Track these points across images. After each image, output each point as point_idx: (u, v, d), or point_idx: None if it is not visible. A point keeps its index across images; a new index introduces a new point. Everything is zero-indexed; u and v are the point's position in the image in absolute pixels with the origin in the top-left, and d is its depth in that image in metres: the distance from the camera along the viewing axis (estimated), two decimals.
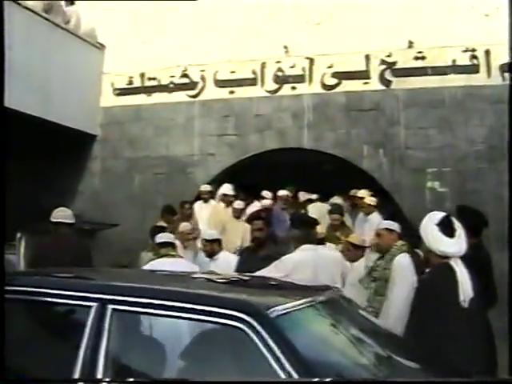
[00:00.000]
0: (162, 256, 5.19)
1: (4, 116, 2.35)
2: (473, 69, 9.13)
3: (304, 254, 4.35)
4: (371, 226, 7.85)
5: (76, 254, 5.15)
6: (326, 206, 8.83)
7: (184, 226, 7.07)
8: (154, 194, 10.28)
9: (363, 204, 8.59)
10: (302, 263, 4.25)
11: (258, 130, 9.91)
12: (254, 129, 9.91)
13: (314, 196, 9.56)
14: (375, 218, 8.33)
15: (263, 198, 9.19)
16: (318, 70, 9.77)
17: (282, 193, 9.28)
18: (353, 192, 9.15)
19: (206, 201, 8.81)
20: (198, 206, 8.78)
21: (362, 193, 8.75)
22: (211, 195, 8.93)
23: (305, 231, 4.43)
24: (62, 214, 5.62)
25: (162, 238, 5.39)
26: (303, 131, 9.72)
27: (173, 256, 5.20)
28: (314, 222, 4.88)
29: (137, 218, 10.04)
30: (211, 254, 6.11)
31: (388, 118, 9.28)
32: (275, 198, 9.29)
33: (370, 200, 8.57)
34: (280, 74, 9.98)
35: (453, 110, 9.10)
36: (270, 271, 4.13)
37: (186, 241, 7.14)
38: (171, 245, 5.37)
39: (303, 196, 9.62)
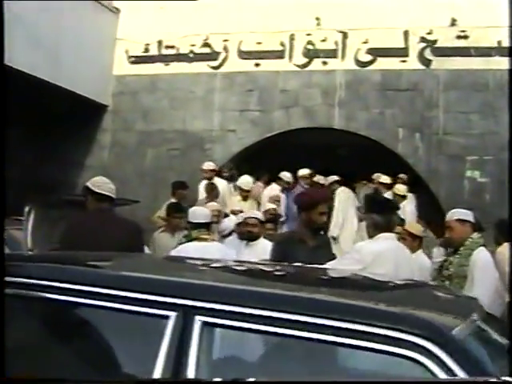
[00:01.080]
0: (192, 239, 4.62)
1: (4, 82, 2.11)
2: None
3: (384, 243, 3.71)
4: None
5: (126, 237, 3.89)
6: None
7: (212, 205, 6.54)
8: (168, 170, 9.80)
9: (395, 193, 8.20)
10: (383, 255, 3.56)
11: (283, 106, 9.49)
12: (280, 105, 9.49)
13: (335, 177, 9.09)
14: (405, 207, 7.95)
15: (281, 179, 8.84)
16: (351, 45, 9.36)
17: (303, 172, 8.82)
18: (375, 176, 8.82)
19: (209, 179, 8.37)
20: (202, 185, 8.38)
21: (386, 178, 8.39)
22: (214, 173, 8.55)
23: (385, 217, 3.83)
24: (108, 187, 4.23)
25: (198, 216, 4.75)
26: (334, 110, 9.31)
27: (205, 239, 4.61)
28: (396, 207, 4.33)
29: (148, 196, 9.50)
30: (251, 238, 5.52)
31: (426, 99, 8.94)
32: (296, 180, 8.92)
33: (398, 190, 8.15)
34: (310, 47, 9.55)
35: (497, 95, 8.68)
36: (345, 264, 3.54)
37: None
38: (206, 226, 4.73)
39: (325, 180, 9.07)
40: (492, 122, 8.72)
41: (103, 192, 4.11)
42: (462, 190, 8.62)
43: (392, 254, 3.66)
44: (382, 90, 9.10)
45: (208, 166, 8.61)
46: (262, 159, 9.14)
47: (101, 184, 4.19)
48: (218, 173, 8.79)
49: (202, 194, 8.16)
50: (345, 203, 8.69)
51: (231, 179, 9.00)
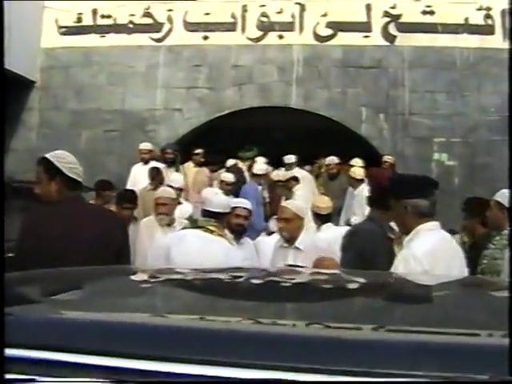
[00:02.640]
0: (197, 227, 3.74)
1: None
2: (487, 29, 8.62)
3: (435, 237, 2.95)
4: (359, 201, 7.09)
5: (110, 233, 3.01)
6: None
7: (165, 192, 5.63)
8: (105, 155, 9.07)
9: (351, 176, 7.64)
10: (437, 253, 2.84)
11: (235, 83, 8.98)
12: (231, 82, 8.98)
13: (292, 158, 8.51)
14: (364, 192, 7.43)
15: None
16: (309, 17, 8.93)
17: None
18: (328, 160, 8.35)
19: (146, 162, 7.77)
20: (136, 168, 7.76)
21: (356, 161, 7.84)
22: (152, 156, 7.96)
23: (430, 199, 2.89)
24: (78, 170, 3.10)
25: (213, 204, 3.73)
26: (291, 88, 8.85)
27: (211, 231, 3.66)
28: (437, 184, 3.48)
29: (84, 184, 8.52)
30: (240, 235, 4.78)
31: (391, 78, 8.69)
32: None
33: (354, 173, 7.57)
34: (265, 19, 9.05)
35: (464, 74, 8.54)
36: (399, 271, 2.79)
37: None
38: (219, 217, 3.74)
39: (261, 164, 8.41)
40: (460, 102, 8.54)
41: (76, 177, 3.04)
42: (429, 174, 7.76)
43: (445, 252, 2.95)
44: (343, 67, 8.76)
45: (145, 146, 8.03)
46: (211, 141, 8.52)
47: (72, 165, 3.07)
48: (163, 155, 8.12)
49: (138, 179, 7.45)
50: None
51: (172, 163, 8.22)
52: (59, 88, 9.41)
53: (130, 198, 5.63)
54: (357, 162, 7.71)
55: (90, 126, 9.16)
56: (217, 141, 8.51)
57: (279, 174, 8.18)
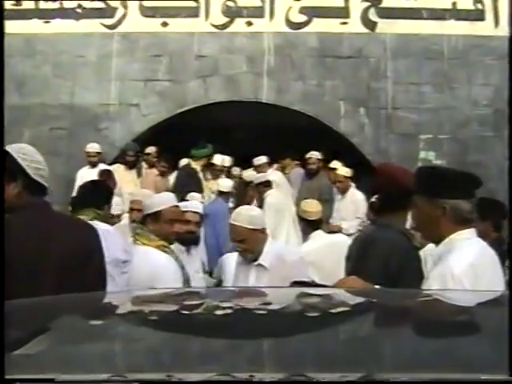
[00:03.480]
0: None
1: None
2: (477, 15, 8.14)
3: (476, 247, 2.44)
4: (348, 206, 6.83)
5: (84, 244, 2.50)
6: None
7: (141, 193, 5.22)
8: (51, 156, 7.90)
9: (336, 178, 7.14)
10: (479, 269, 2.34)
11: (199, 75, 8.33)
12: (195, 74, 8.33)
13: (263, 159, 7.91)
14: (354, 195, 7.02)
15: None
16: (281, 2, 8.30)
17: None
18: (309, 154, 7.77)
19: (94, 165, 7.52)
20: (82, 173, 7.38)
21: (335, 163, 7.31)
22: (100, 158, 7.70)
23: (471, 201, 2.40)
24: (45, 172, 2.52)
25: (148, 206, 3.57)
26: (261, 80, 8.25)
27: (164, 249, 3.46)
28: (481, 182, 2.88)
29: None
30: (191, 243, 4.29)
31: (372, 68, 8.20)
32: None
33: (341, 171, 7.05)
34: (231, 4, 8.38)
35: (453, 64, 8.06)
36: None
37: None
38: None
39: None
40: (448, 95, 8.07)
41: (41, 181, 2.47)
42: None
43: (486, 264, 2.41)
44: (319, 57, 8.22)
45: (93, 148, 7.67)
46: (171, 140, 7.88)
47: (39, 165, 2.46)
48: (123, 157, 7.81)
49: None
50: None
51: (134, 166, 7.84)
52: None
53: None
54: (336, 164, 7.14)
55: (33, 124, 8.35)
56: (178, 139, 7.80)
57: (252, 176, 7.50)
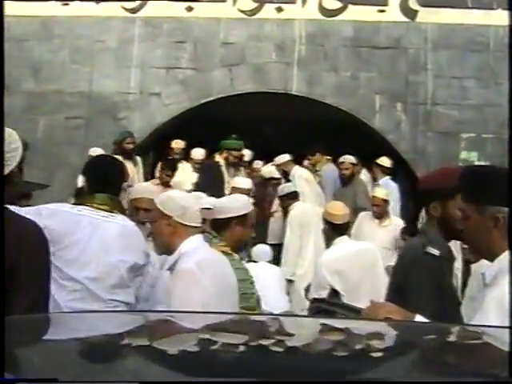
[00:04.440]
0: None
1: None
2: None
3: None
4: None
5: (25, 244, 2.00)
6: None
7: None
8: (67, 146, 7.98)
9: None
10: None
11: (225, 64, 8.04)
12: (221, 62, 8.04)
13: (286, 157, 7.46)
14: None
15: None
16: None
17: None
18: (342, 158, 7.33)
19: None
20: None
21: (382, 160, 7.16)
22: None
23: None
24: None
25: None
26: (291, 70, 7.96)
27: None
28: None
29: (40, 180, 7.34)
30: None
31: (411, 60, 7.86)
32: None
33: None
34: None
35: (499, 57, 7.59)
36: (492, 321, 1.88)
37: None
38: None
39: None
40: (493, 90, 7.66)
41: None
42: None
43: None
44: (354, 47, 7.92)
45: (95, 152, 6.68)
46: (194, 133, 7.56)
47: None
48: (121, 146, 7.21)
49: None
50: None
51: (131, 156, 7.28)
52: (12, 65, 8.08)
53: None
54: (384, 161, 7.06)
55: (49, 112, 8.09)
56: (201, 132, 7.47)
57: (271, 172, 7.35)
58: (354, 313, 2.42)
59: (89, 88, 8.07)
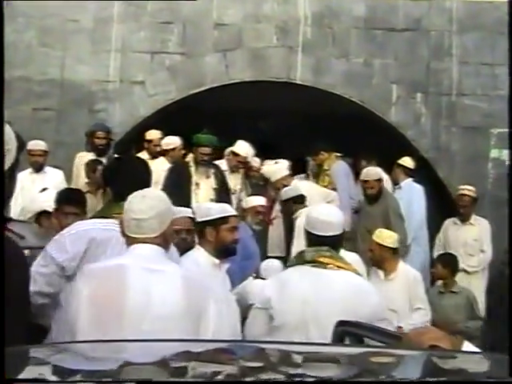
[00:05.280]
0: (304, 262, 3.16)
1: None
2: None
3: None
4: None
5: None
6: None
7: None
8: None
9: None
10: None
11: (219, 48, 7.53)
12: (214, 47, 7.54)
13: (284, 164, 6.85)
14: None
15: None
16: None
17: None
18: (365, 175, 6.54)
19: (38, 169, 6.41)
20: (23, 176, 6.06)
21: (405, 160, 6.63)
22: (44, 159, 6.59)
23: None
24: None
25: (322, 224, 3.19)
26: (295, 56, 7.48)
27: (324, 265, 3.10)
28: None
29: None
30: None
31: (433, 44, 7.45)
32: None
33: (405, 161, 6.52)
34: None
35: None
36: None
37: None
38: (331, 241, 3.19)
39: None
40: None
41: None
42: (485, 178, 7.27)
43: None
44: (367, 29, 7.51)
45: (37, 145, 6.39)
46: (184, 127, 7.01)
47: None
48: (92, 140, 6.69)
49: (25, 193, 5.80)
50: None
51: (104, 152, 6.77)
52: None
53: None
54: (407, 161, 6.54)
55: (13, 102, 7.31)
56: (191, 127, 6.94)
57: (272, 171, 6.49)
58: (392, 339, 2.18)
59: (60, 75, 7.54)
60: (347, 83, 7.44)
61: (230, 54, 7.47)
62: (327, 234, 3.04)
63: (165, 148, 6.54)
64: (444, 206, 6.81)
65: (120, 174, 3.05)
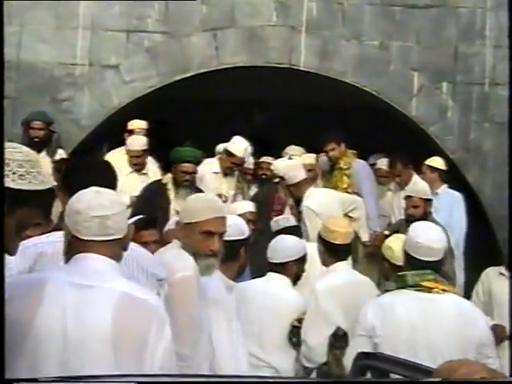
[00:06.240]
0: (406, 286, 3.13)
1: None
2: None
3: None
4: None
5: None
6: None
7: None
8: None
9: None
10: None
11: (208, 27, 6.84)
12: (201, 25, 6.83)
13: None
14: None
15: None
16: None
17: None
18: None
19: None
20: None
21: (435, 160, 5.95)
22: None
23: None
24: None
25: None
26: (298, 37, 6.81)
27: (429, 289, 3.20)
28: None
29: None
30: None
31: (462, 24, 6.81)
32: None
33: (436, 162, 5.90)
34: None
35: None
36: None
37: None
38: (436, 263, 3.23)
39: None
40: None
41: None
42: None
43: None
44: (383, 6, 6.82)
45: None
46: (166, 120, 6.83)
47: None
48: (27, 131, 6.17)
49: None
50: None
51: (43, 146, 6.12)
52: None
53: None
54: (436, 161, 5.86)
55: None
56: (175, 120, 6.71)
57: (285, 167, 5.70)
58: (421, 374, 2.01)
59: (16, 56, 6.74)
60: (359, 70, 6.83)
61: (221, 34, 6.78)
62: (431, 260, 3.10)
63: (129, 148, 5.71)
64: (474, 217, 5.95)
65: (78, 178, 2.77)
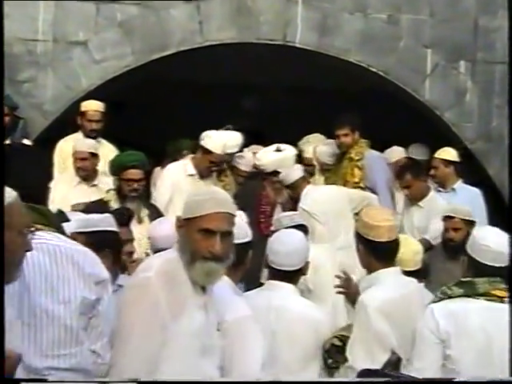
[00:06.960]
0: (473, 294, 3.10)
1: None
2: None
3: None
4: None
5: None
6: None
7: None
8: None
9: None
10: None
11: None
12: None
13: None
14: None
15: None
16: None
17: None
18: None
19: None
20: None
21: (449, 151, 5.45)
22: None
23: None
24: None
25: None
26: (294, 9, 6.21)
27: (497, 299, 3.16)
28: None
29: None
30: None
31: None
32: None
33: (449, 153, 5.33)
34: None
35: None
36: None
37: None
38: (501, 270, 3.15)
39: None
40: None
41: None
42: None
43: None
44: None
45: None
46: (142, 106, 6.20)
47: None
48: None
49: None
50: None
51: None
52: None
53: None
54: (449, 152, 5.24)
55: None
56: (153, 106, 6.06)
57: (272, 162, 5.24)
58: None
59: None
60: (365, 47, 6.25)
61: (205, 6, 6.10)
62: (501, 265, 3.05)
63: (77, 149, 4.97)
64: (496, 215, 5.29)
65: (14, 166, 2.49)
